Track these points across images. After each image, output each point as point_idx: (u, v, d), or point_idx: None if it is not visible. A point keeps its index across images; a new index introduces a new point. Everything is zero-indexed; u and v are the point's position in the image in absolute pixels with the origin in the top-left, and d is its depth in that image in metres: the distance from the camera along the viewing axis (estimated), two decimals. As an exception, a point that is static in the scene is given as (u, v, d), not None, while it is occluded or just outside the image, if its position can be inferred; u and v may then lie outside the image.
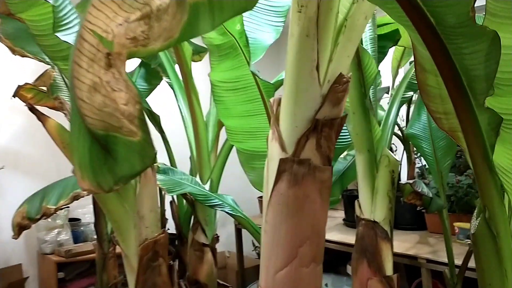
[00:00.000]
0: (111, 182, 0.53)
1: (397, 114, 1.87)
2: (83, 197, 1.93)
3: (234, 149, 1.99)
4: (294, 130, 1.09)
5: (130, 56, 0.52)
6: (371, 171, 1.67)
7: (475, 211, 1.15)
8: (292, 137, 1.09)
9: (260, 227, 2.67)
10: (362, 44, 1.79)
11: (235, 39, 1.67)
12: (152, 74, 2.65)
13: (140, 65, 2.74)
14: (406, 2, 0.86)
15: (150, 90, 2.67)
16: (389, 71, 2.90)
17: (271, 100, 1.18)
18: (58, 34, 1.27)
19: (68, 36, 1.28)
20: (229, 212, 1.96)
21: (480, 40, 0.87)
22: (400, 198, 1.87)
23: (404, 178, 3.47)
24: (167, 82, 2.59)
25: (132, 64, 2.74)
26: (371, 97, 1.71)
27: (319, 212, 1.10)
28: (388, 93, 3.43)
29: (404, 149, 3.30)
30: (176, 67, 2.39)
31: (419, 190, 1.58)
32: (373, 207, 1.67)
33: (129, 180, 0.54)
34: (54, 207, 1.85)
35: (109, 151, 0.51)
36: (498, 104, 1.02)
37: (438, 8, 0.84)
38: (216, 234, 2.38)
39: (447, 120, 1.08)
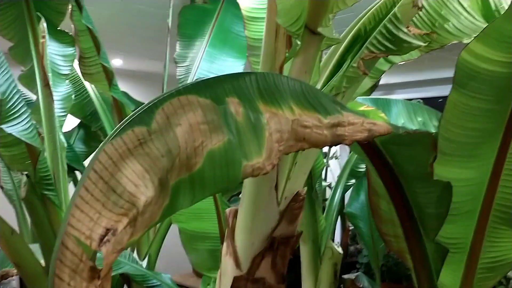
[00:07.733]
0: None
1: (340, 203, 1.92)
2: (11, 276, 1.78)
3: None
4: (250, 247, 1.08)
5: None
6: (315, 263, 1.69)
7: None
8: (247, 254, 1.08)
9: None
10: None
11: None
12: (91, 137, 2.54)
13: (79, 126, 2.61)
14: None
15: (89, 153, 2.55)
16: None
17: (227, 211, 1.16)
18: (2, 126, 1.20)
19: (13, 127, 1.22)
20: (167, 294, 1.89)
21: (433, 184, 0.92)
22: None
23: (337, 239, 3.54)
24: (107, 147, 2.48)
25: (70, 124, 2.60)
26: (316, 188, 1.75)
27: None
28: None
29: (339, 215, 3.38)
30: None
31: (361, 286, 1.61)
32: (316, 299, 1.67)
33: None
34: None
35: None
36: (447, 231, 1.08)
37: (399, 156, 0.89)
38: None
39: (396, 243, 1.13)
